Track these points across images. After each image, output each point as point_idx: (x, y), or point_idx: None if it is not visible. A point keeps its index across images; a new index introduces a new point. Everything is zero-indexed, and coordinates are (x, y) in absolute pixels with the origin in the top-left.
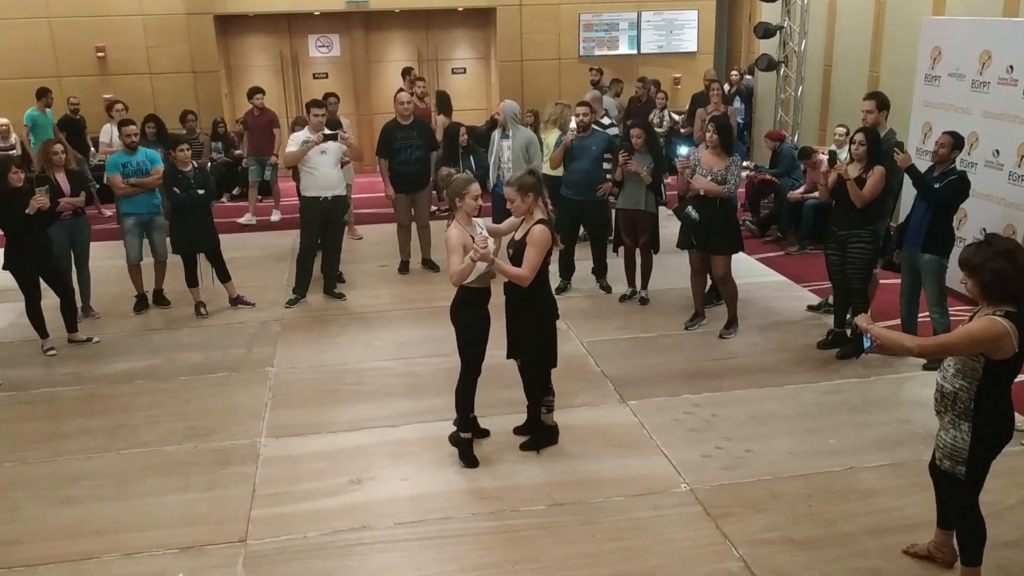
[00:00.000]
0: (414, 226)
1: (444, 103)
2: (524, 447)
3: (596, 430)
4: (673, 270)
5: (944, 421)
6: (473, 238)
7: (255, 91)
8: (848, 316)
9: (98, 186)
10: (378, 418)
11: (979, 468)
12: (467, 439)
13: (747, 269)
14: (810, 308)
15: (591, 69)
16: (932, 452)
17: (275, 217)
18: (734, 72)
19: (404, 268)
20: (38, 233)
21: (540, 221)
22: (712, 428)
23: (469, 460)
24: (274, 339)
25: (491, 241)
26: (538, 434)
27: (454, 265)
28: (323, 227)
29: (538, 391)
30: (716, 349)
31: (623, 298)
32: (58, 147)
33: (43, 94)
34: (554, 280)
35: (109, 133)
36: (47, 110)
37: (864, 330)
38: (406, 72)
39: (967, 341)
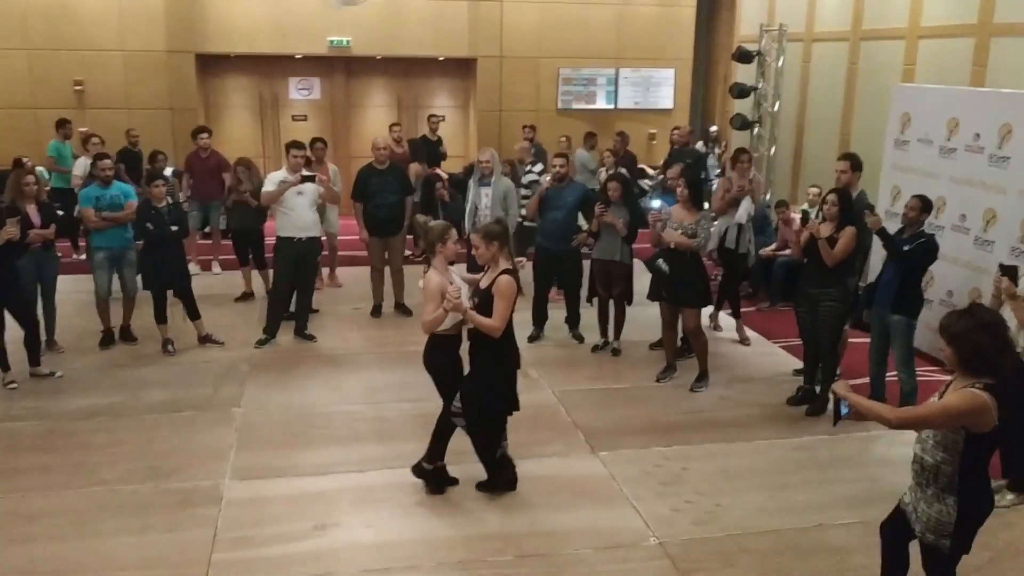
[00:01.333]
0: (387, 270)
1: (418, 151)
2: (480, 487)
3: (566, 481)
4: (646, 322)
5: (927, 494)
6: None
7: (200, 130)
8: (818, 374)
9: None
10: (345, 463)
11: (965, 541)
12: (431, 468)
13: (719, 323)
14: (796, 372)
15: (524, 127)
16: (890, 512)
17: (216, 270)
18: (714, 128)
19: (377, 312)
20: (4, 264)
21: (505, 271)
22: (682, 482)
23: (438, 485)
24: (242, 379)
25: (465, 291)
26: (501, 477)
27: (428, 313)
28: (296, 268)
29: (485, 444)
30: (687, 402)
31: (595, 348)
32: (29, 178)
33: (62, 124)
34: (527, 328)
35: (83, 166)
36: (67, 141)
37: (842, 397)
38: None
39: (948, 415)
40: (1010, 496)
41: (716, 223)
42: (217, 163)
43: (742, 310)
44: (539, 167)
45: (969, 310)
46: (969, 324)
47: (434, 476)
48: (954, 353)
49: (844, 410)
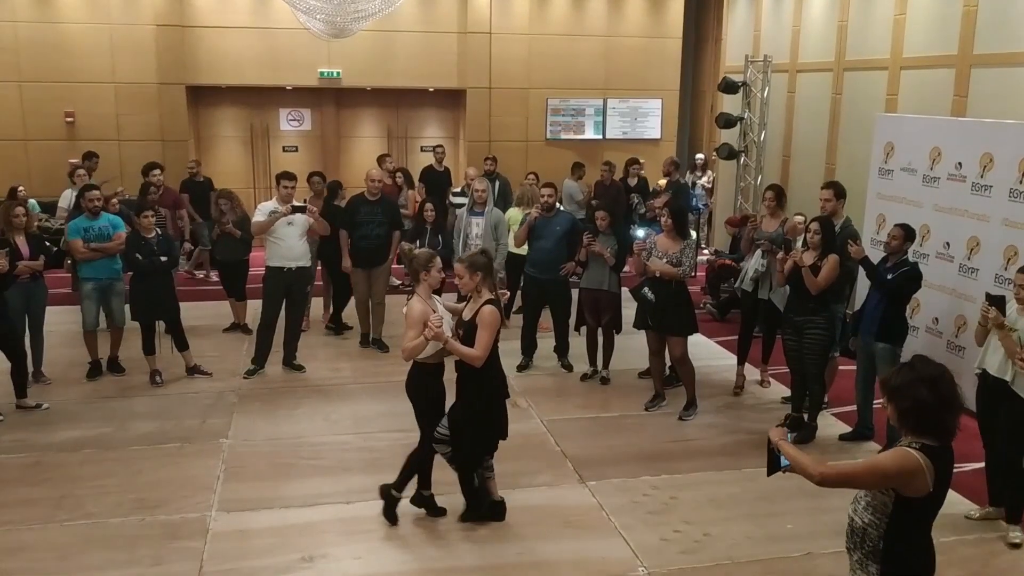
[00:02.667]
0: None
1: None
2: (464, 518)
3: (554, 510)
4: (635, 351)
5: (852, 560)
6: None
7: (151, 167)
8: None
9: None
10: (333, 494)
11: None
12: (396, 497)
13: (707, 352)
14: (784, 400)
15: (486, 159)
16: None
17: None
18: (700, 156)
19: (365, 341)
20: None
21: (489, 301)
22: (671, 511)
23: (390, 517)
24: (230, 410)
25: (447, 320)
26: (480, 506)
27: (409, 339)
28: (286, 298)
29: (468, 466)
30: (676, 431)
31: (584, 377)
32: (19, 210)
33: (88, 157)
34: (516, 357)
35: (68, 199)
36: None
37: (774, 447)
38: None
39: (873, 474)
40: (1018, 533)
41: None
42: (174, 200)
43: (730, 338)
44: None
45: (911, 363)
46: (909, 377)
47: (392, 505)
48: (893, 410)
49: (784, 460)
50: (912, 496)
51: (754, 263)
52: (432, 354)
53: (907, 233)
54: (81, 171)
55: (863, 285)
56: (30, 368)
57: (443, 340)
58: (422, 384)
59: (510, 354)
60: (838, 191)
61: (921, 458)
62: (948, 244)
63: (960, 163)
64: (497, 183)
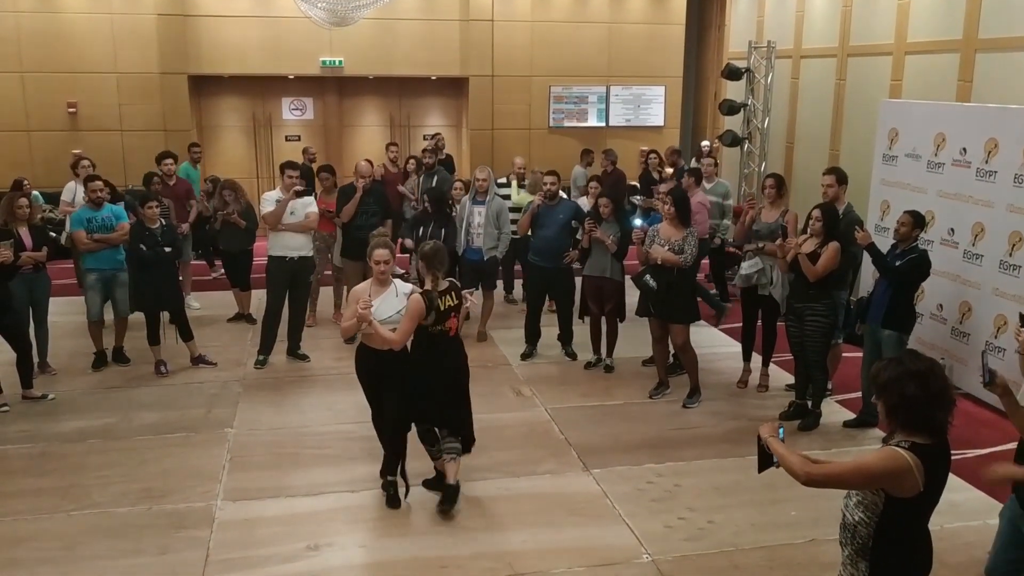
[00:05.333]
0: None
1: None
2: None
3: (559, 498)
4: (639, 338)
5: (844, 555)
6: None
7: (164, 156)
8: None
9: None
10: (338, 483)
11: None
12: (390, 481)
13: (710, 339)
14: (788, 387)
15: (424, 150)
16: None
17: (196, 304)
18: (705, 143)
19: None
20: None
21: (424, 292)
22: (675, 498)
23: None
24: (235, 400)
25: (377, 303)
26: (447, 492)
27: (344, 320)
28: (289, 287)
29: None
30: (679, 418)
31: (588, 365)
32: (22, 201)
33: (191, 148)
34: (520, 345)
35: (72, 191)
36: (196, 165)
37: (764, 443)
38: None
39: (860, 475)
40: None
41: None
42: (186, 190)
43: (734, 325)
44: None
45: (899, 358)
46: (897, 372)
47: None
48: (882, 406)
49: (775, 458)
50: (902, 496)
51: (748, 267)
52: (371, 335)
53: (916, 220)
54: (85, 162)
55: (867, 273)
56: (35, 359)
57: (367, 321)
58: (359, 362)
59: (514, 342)
60: (840, 176)
61: (910, 458)
62: (952, 230)
63: (965, 149)
64: (435, 178)
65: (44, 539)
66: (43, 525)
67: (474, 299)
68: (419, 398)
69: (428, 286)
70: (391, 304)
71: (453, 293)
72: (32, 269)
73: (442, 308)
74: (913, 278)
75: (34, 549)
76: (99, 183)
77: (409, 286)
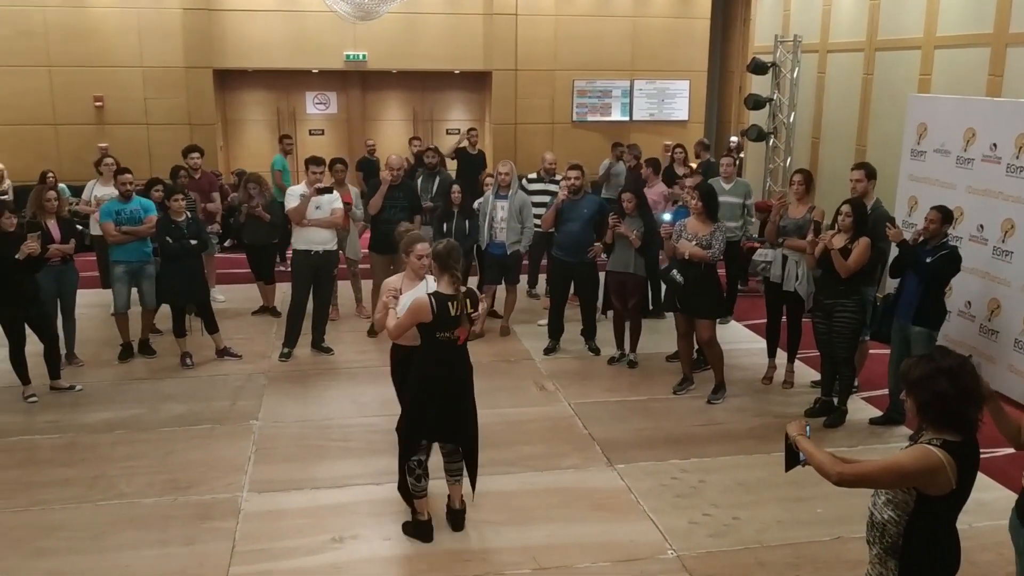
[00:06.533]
0: None
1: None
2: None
3: (582, 493)
4: (662, 334)
5: (872, 554)
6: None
7: (191, 149)
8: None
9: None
10: (362, 475)
11: None
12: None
13: (735, 335)
14: (814, 384)
15: (428, 149)
16: None
17: (220, 297)
18: (734, 138)
19: None
20: (25, 278)
21: (434, 294)
22: (699, 494)
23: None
24: (260, 392)
25: (404, 299)
26: (454, 519)
27: (377, 311)
28: (314, 281)
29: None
30: (704, 414)
31: (612, 360)
32: (51, 194)
33: (283, 139)
34: (543, 340)
35: (91, 189)
36: (287, 156)
37: (792, 441)
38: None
39: (892, 474)
40: None
41: (769, 255)
42: (211, 183)
43: (758, 321)
44: (539, 183)
45: (930, 355)
46: (928, 369)
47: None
48: (913, 403)
49: (803, 455)
50: (934, 494)
51: (760, 256)
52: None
53: (945, 216)
54: (109, 160)
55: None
56: (63, 350)
57: (389, 310)
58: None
59: (537, 337)
60: (869, 172)
61: (943, 455)
62: (982, 227)
63: (995, 144)
64: (438, 179)
65: (72, 528)
66: (71, 514)
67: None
68: (426, 410)
69: (443, 288)
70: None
71: (468, 301)
72: (60, 261)
73: (452, 313)
74: (944, 274)
75: (63, 538)
76: (129, 176)
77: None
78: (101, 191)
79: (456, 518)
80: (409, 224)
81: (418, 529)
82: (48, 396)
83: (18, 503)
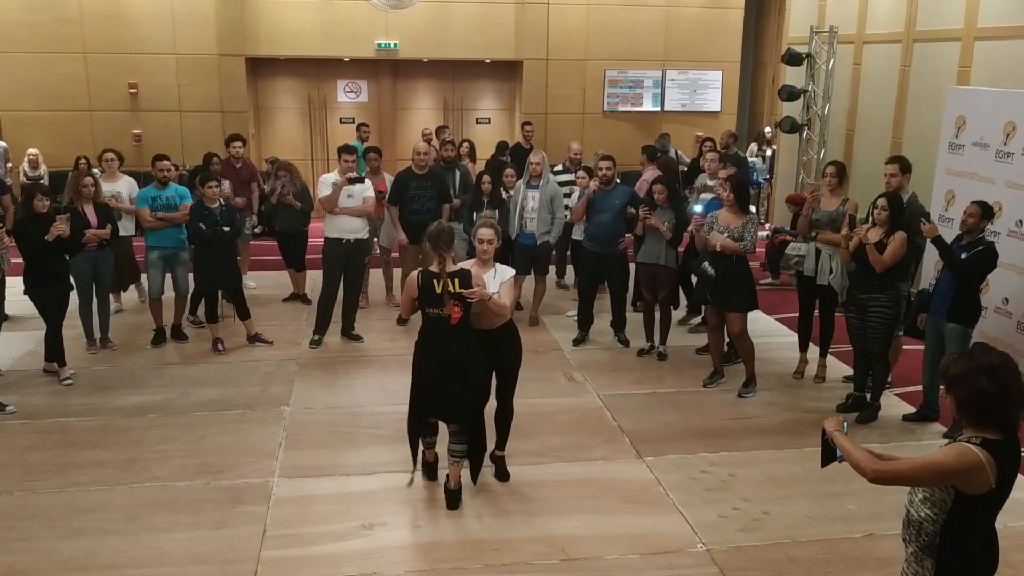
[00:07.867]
0: None
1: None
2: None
3: (611, 485)
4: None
5: (907, 552)
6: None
7: (234, 139)
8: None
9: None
10: (392, 462)
11: None
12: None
13: (766, 328)
14: (846, 379)
15: (445, 142)
16: None
17: (252, 284)
18: (768, 128)
19: None
20: (56, 260)
21: (421, 271)
22: (729, 488)
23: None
24: (290, 379)
25: (493, 286)
26: (448, 497)
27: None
28: (344, 269)
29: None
30: (734, 408)
31: (641, 352)
32: (87, 180)
33: (360, 127)
34: (573, 331)
35: (109, 187)
36: (364, 142)
37: (829, 437)
38: (440, 131)
39: (931, 472)
40: None
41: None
42: (251, 172)
43: (790, 315)
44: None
45: (970, 352)
46: (969, 366)
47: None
48: (953, 401)
49: (839, 452)
50: (973, 493)
51: (792, 249)
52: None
53: (984, 211)
54: (109, 155)
55: (928, 264)
56: (97, 334)
57: (485, 296)
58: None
59: (566, 328)
60: (904, 165)
61: (982, 454)
62: (1021, 222)
63: None
64: (458, 173)
65: (106, 510)
66: (105, 496)
67: (485, 294)
68: (424, 386)
69: (433, 267)
70: (490, 286)
71: (457, 280)
72: (96, 247)
73: (438, 290)
74: (980, 270)
75: (97, 519)
76: (167, 163)
77: (511, 270)
78: (107, 187)
79: (452, 497)
80: (441, 221)
81: (425, 467)
82: (84, 378)
83: (53, 484)
